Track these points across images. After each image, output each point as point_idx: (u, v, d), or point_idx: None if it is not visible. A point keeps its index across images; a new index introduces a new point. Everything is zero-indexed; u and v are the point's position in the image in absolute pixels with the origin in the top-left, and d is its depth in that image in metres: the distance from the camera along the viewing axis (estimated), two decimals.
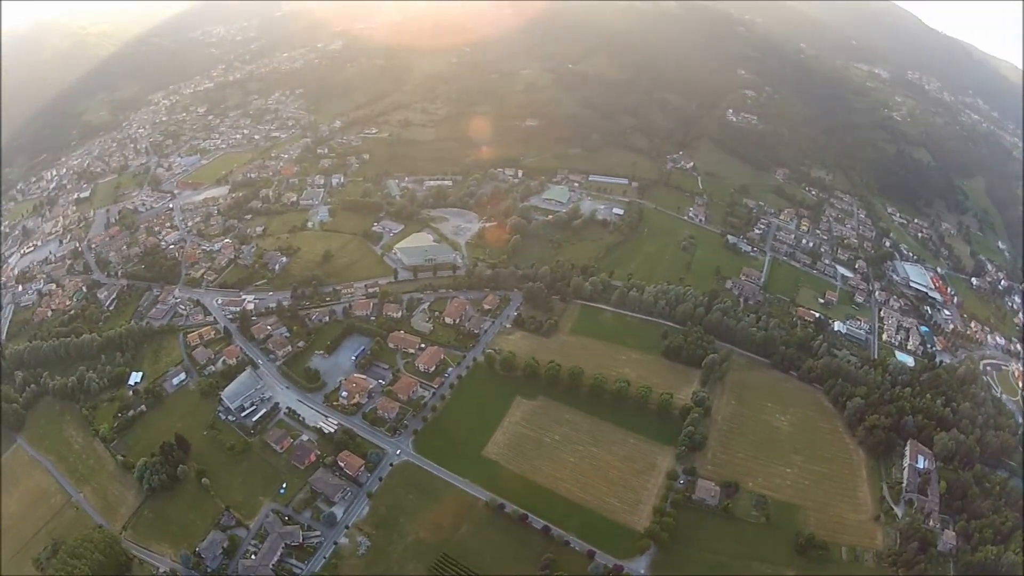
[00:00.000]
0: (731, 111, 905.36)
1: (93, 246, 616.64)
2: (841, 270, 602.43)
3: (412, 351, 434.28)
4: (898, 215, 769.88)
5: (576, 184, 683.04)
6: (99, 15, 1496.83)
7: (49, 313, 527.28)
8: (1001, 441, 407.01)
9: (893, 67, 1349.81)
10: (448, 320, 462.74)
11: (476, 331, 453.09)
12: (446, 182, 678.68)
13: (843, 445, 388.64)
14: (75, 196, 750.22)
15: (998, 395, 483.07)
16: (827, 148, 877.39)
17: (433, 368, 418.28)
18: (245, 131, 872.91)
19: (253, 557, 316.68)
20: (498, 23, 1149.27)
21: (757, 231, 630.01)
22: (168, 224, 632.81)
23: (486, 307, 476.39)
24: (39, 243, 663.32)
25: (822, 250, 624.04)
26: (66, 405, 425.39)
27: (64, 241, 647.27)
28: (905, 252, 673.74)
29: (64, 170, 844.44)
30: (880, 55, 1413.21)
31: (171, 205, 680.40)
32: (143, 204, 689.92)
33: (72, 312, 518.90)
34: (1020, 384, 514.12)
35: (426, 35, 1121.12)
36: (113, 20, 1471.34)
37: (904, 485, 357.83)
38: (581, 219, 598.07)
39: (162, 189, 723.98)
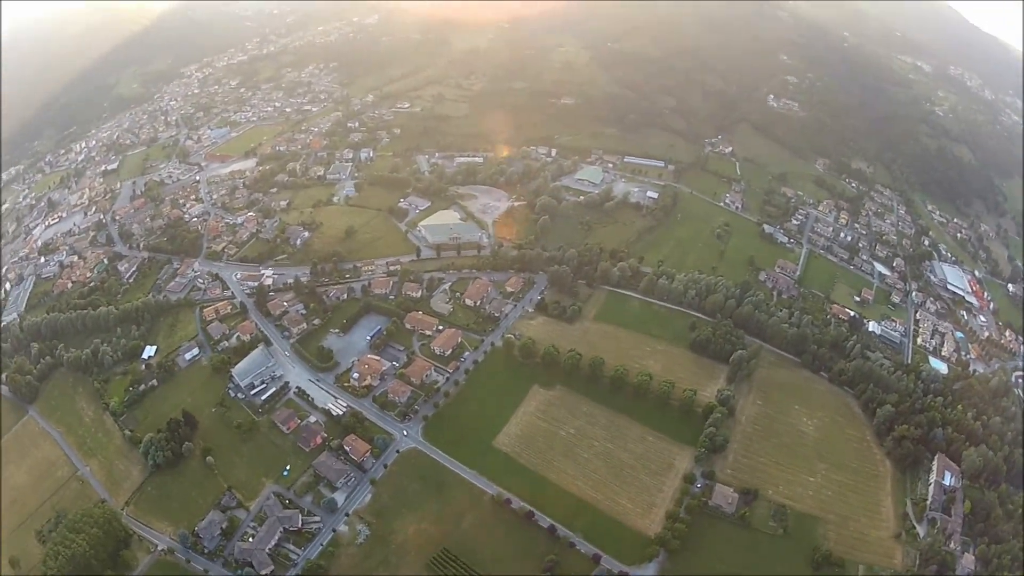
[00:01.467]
0: (772, 96, 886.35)
1: (117, 218, 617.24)
2: (879, 267, 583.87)
3: (429, 333, 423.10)
4: (937, 213, 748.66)
5: (610, 165, 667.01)
6: None
7: (69, 285, 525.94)
8: None
9: (935, 61, 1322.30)
10: (469, 302, 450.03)
11: (497, 314, 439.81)
12: (477, 159, 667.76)
13: (870, 455, 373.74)
14: (103, 168, 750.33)
15: None
16: (868, 139, 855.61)
17: (449, 351, 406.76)
18: (277, 104, 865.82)
19: (251, 540, 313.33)
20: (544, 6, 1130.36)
21: (795, 222, 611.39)
22: (193, 197, 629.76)
23: (509, 289, 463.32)
24: (64, 215, 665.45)
25: (860, 245, 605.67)
26: (79, 378, 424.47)
27: (89, 213, 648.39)
28: (943, 252, 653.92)
29: (93, 142, 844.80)
30: (922, 48, 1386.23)
31: (198, 178, 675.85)
32: (170, 176, 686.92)
33: (92, 284, 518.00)
34: None
35: (464, 9, 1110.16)
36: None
37: (929, 503, 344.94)
38: (613, 201, 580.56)
39: (190, 161, 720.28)
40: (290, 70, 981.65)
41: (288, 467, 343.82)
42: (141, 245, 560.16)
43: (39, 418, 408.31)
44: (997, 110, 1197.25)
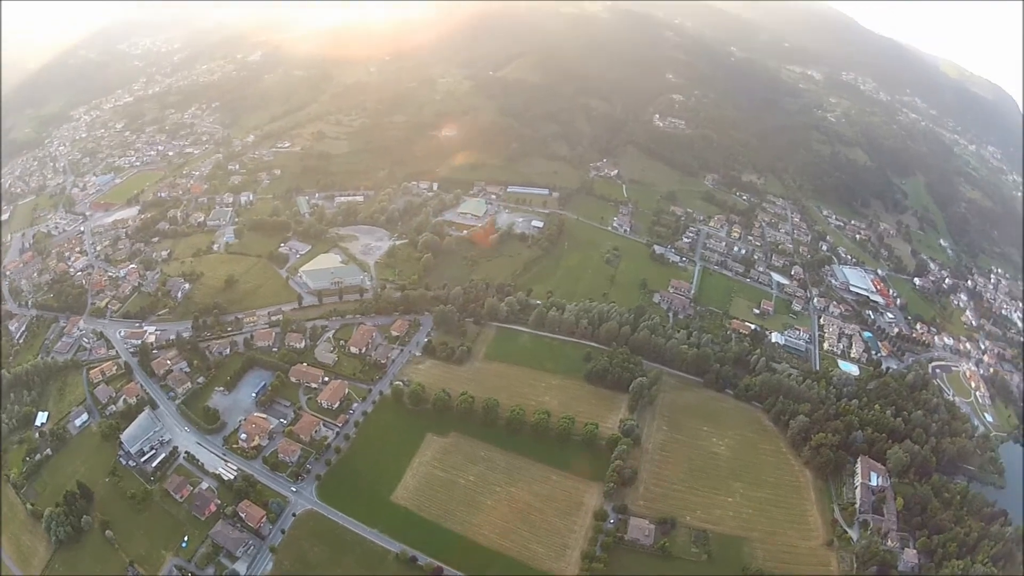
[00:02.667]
0: (658, 116, 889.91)
1: (8, 273, 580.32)
2: (776, 277, 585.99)
3: (315, 385, 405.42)
4: (834, 217, 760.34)
5: (494, 196, 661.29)
6: (28, 22, 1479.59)
7: None
8: (958, 447, 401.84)
9: (828, 68, 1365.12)
10: (354, 349, 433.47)
11: (383, 361, 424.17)
12: (357, 197, 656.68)
13: (788, 467, 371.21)
14: None
15: (951, 398, 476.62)
16: (759, 152, 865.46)
17: (337, 404, 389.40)
18: (160, 147, 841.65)
19: None
20: (420, 31, 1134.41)
21: (686, 240, 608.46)
22: (78, 249, 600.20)
23: (395, 333, 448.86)
24: None
25: (755, 257, 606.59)
26: None
27: None
28: (843, 255, 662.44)
29: None
30: (814, 56, 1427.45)
31: (83, 228, 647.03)
32: (56, 227, 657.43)
33: None
34: (972, 384, 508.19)
35: (347, 45, 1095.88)
36: (46, 30, 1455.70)
37: (857, 505, 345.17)
38: (498, 233, 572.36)
39: (75, 211, 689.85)
40: (173, 111, 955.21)
41: (187, 537, 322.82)
42: (30, 302, 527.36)
43: None
44: (893, 111, 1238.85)
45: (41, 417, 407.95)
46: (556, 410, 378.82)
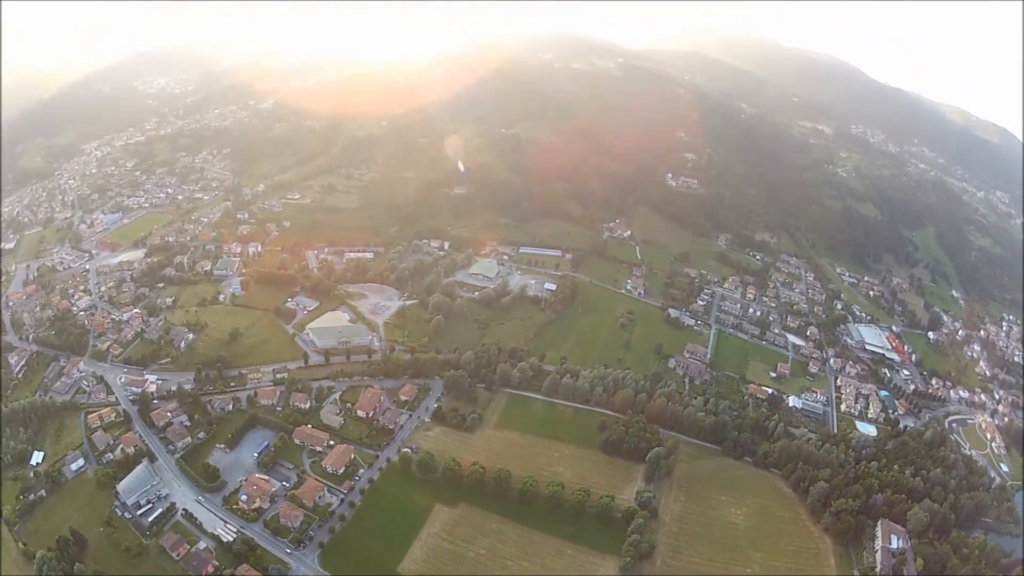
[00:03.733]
0: (670, 175, 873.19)
1: (10, 304, 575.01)
2: (792, 339, 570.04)
3: (320, 449, 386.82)
4: (848, 274, 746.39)
5: (506, 257, 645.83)
6: (45, 52, 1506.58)
7: None
8: (975, 501, 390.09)
9: (836, 122, 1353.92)
10: (361, 413, 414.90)
11: (391, 426, 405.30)
12: (367, 254, 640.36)
13: (807, 535, 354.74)
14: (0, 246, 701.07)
15: (968, 452, 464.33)
16: (771, 209, 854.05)
17: (342, 469, 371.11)
18: (170, 190, 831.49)
19: None
20: (431, 87, 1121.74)
21: (700, 302, 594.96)
22: (82, 287, 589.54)
23: (403, 398, 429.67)
24: None
25: (771, 319, 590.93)
26: None
27: None
28: (858, 313, 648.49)
29: None
30: (823, 110, 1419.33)
31: (88, 266, 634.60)
32: (61, 263, 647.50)
33: None
34: (988, 436, 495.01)
35: (359, 97, 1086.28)
36: (59, 62, 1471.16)
37: (878, 570, 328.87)
38: (510, 296, 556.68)
39: (82, 247, 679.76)
40: (184, 154, 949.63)
41: None
42: (31, 337, 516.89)
43: None
44: (902, 162, 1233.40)
45: (36, 457, 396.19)
46: (570, 481, 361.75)
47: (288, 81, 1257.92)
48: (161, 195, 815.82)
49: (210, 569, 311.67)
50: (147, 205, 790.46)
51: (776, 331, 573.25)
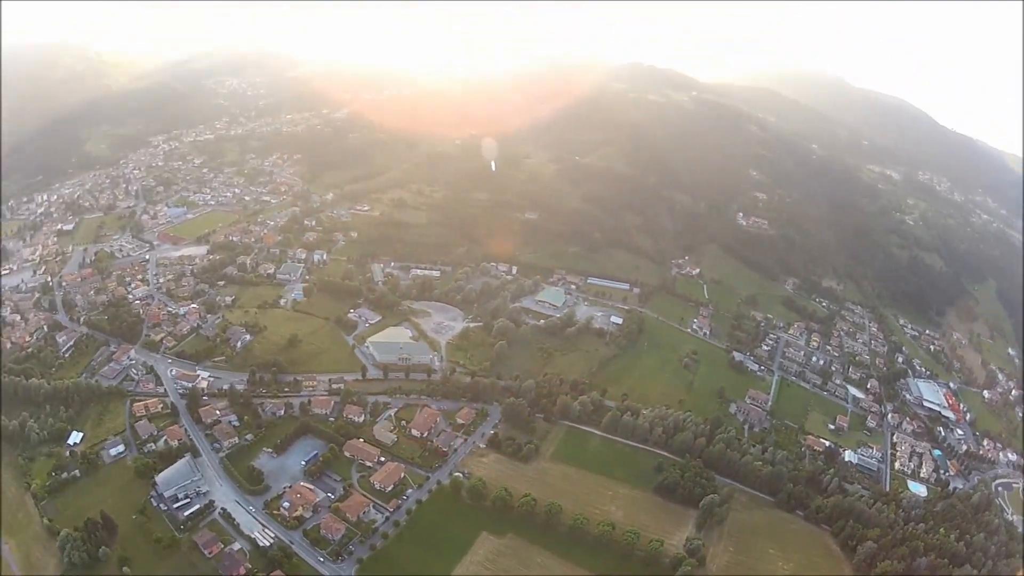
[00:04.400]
0: (741, 214, 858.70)
1: (64, 284, 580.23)
2: (852, 391, 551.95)
3: (370, 464, 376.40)
4: (910, 327, 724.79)
5: (573, 287, 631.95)
6: (118, 44, 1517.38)
7: (8, 345, 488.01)
8: (1011, 569, 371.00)
9: (905, 168, 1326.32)
10: (415, 432, 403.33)
11: (445, 449, 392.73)
12: (434, 272, 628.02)
13: None
14: (58, 227, 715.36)
15: (1010, 517, 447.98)
16: (838, 255, 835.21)
17: (391, 487, 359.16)
18: (237, 190, 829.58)
19: None
20: (507, 109, 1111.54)
21: (765, 348, 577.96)
22: (140, 277, 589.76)
23: (460, 421, 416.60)
24: (15, 267, 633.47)
25: (833, 369, 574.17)
26: (4, 449, 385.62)
27: (38, 272, 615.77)
28: (918, 368, 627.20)
29: (55, 197, 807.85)
30: (892, 155, 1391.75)
31: (147, 256, 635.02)
32: (120, 250, 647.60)
33: (29, 350, 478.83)
34: None
35: (434, 114, 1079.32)
36: (131, 52, 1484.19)
37: None
38: (576, 327, 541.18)
39: (143, 237, 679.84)
40: (254, 156, 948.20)
41: None
42: (82, 319, 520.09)
43: None
44: (967, 211, 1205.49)
45: (75, 437, 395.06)
46: (621, 522, 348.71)
47: (362, 92, 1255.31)
48: (228, 194, 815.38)
49: (242, 571, 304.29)
50: (212, 203, 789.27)
51: (838, 382, 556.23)
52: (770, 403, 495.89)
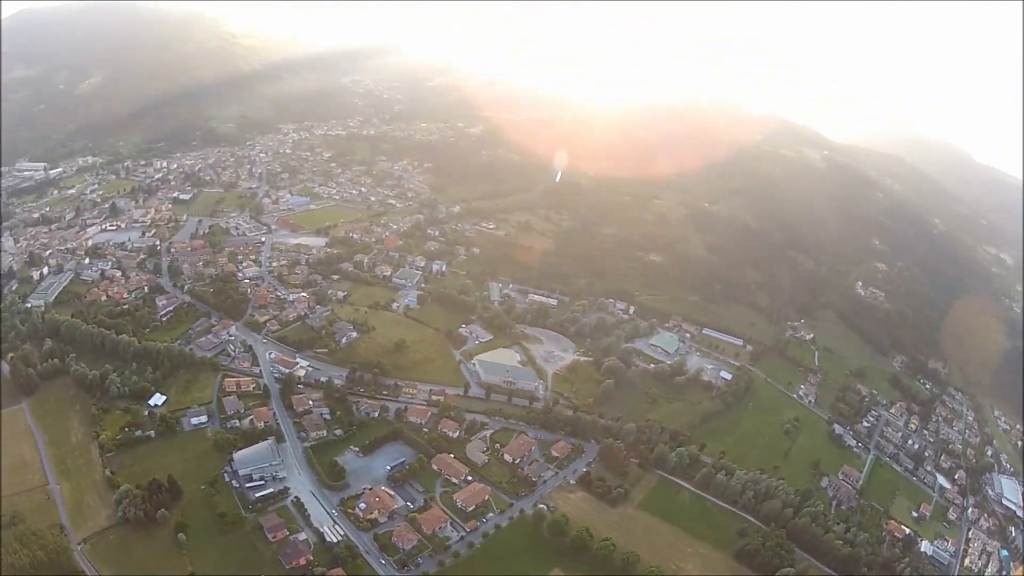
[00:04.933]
0: (860, 283, 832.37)
1: (172, 250, 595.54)
2: (941, 479, 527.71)
3: (456, 481, 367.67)
4: (1003, 419, 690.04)
5: (688, 335, 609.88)
6: (252, 28, 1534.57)
7: (104, 298, 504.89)
8: None
9: (1017, 252, 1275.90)
10: (508, 457, 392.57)
11: (535, 479, 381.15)
12: (551, 300, 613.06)
13: None
14: (175, 195, 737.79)
15: None
16: (946, 336, 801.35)
17: (472, 508, 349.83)
18: (363, 189, 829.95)
19: None
20: (640, 146, 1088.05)
21: (865, 424, 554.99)
22: (252, 257, 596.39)
23: (554, 454, 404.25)
24: (123, 225, 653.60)
25: (926, 454, 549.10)
26: (80, 395, 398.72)
27: (147, 234, 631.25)
28: (1004, 463, 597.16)
29: (175, 165, 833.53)
30: (1006, 238, 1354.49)
31: (263, 239, 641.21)
32: (237, 228, 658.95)
33: (125, 307, 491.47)
34: None
35: (567, 141, 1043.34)
36: (264, 38, 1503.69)
37: None
38: (685, 376, 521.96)
39: (261, 220, 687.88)
40: (384, 159, 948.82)
41: None
42: (185, 287, 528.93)
43: (28, 414, 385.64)
44: None
45: (157, 399, 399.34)
46: None
47: (499, 110, 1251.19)
48: (353, 191, 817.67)
49: (302, 561, 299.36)
50: (337, 197, 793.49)
51: (928, 468, 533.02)
52: (861, 482, 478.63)
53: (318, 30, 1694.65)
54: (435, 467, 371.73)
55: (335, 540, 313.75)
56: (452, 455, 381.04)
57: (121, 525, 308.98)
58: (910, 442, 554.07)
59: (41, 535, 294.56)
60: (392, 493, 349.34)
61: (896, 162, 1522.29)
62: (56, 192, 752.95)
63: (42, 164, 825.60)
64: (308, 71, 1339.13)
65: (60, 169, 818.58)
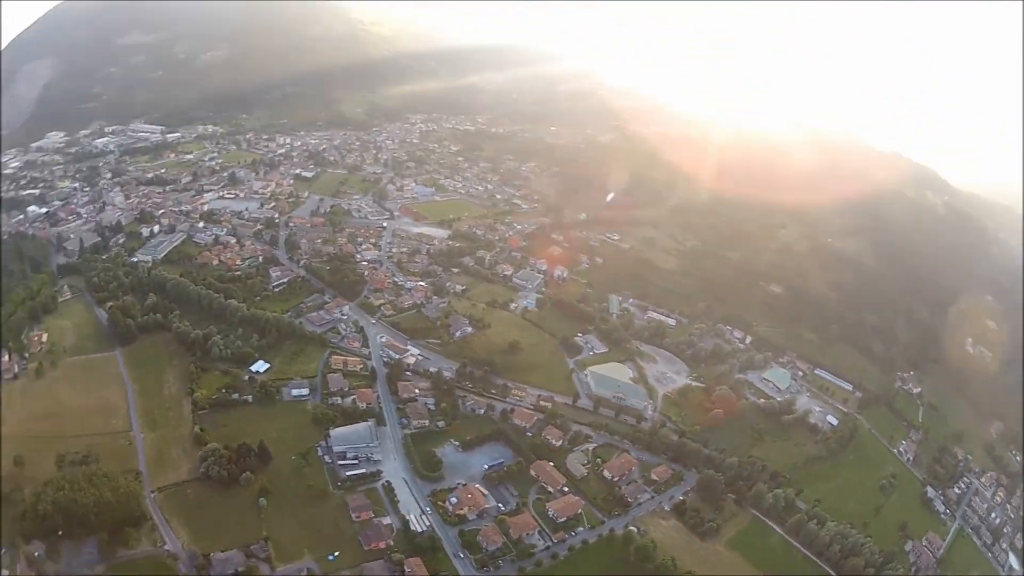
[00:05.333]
0: (971, 340, 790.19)
1: (291, 224, 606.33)
2: (1012, 560, 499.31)
3: (551, 490, 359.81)
4: None
5: (800, 373, 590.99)
6: (381, 15, 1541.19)
7: (215, 262, 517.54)
8: None
9: None
10: (607, 474, 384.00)
11: (630, 500, 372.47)
12: (670, 320, 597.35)
13: None
14: (298, 172, 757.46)
15: None
16: None
17: (563, 519, 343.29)
18: (489, 186, 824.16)
19: None
20: (769, 172, 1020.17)
21: (956, 490, 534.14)
22: (372, 241, 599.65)
23: (654, 477, 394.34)
24: (240, 195, 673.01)
25: (1004, 530, 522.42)
26: (178, 351, 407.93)
27: (266, 206, 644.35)
28: None
29: (299, 143, 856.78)
30: None
31: (384, 224, 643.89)
32: (359, 211, 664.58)
33: (237, 273, 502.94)
34: None
35: (700, 160, 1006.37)
36: (394, 26, 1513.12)
37: None
38: (793, 416, 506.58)
39: (384, 205, 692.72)
40: (511, 158, 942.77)
41: (337, 554, 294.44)
42: (301, 262, 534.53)
43: (121, 362, 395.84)
44: None
45: (259, 365, 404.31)
46: None
47: (631, 121, 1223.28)
48: (479, 187, 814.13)
49: (381, 545, 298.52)
50: (462, 191, 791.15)
51: (1004, 546, 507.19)
52: (942, 552, 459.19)
53: (452, 23, 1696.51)
54: (533, 473, 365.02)
55: (419, 530, 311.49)
56: (552, 463, 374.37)
57: (201, 481, 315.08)
58: (993, 515, 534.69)
59: (113, 477, 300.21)
60: (485, 492, 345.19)
61: (1008, 214, 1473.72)
62: (173, 156, 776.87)
63: (159, 127, 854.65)
64: (438, 63, 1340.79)
65: (178, 134, 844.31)
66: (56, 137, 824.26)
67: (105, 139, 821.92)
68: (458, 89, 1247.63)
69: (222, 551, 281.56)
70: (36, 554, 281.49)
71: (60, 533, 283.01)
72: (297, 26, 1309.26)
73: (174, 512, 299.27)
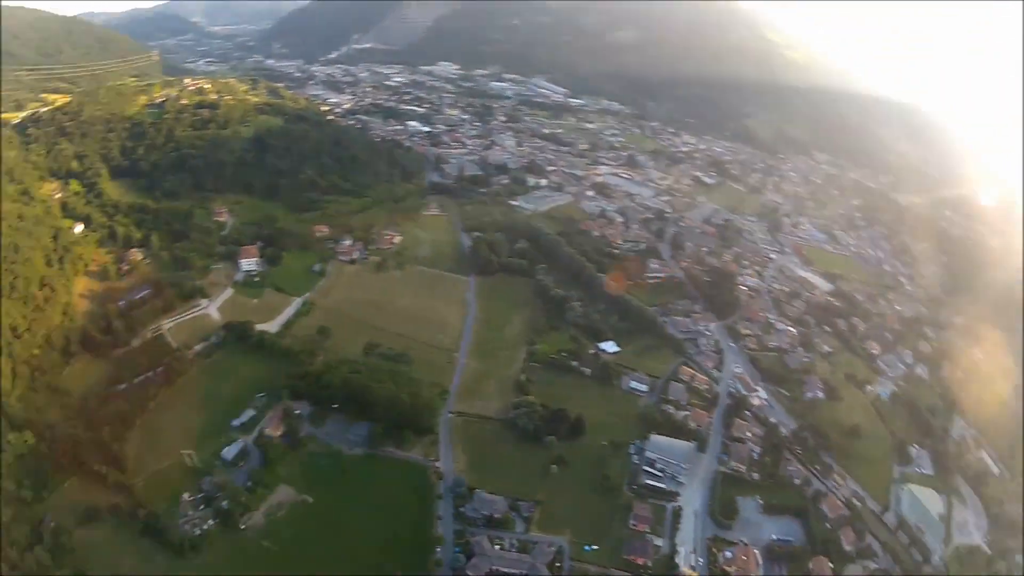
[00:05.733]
0: None
1: (681, 224, 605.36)
2: None
3: None
4: None
5: None
6: (794, 38, 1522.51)
7: (596, 233, 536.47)
8: None
9: None
10: None
11: None
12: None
13: None
14: (698, 175, 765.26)
15: None
16: None
17: None
18: (880, 254, 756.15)
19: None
20: None
21: None
22: (756, 268, 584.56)
23: None
24: (636, 179, 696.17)
25: None
26: (532, 302, 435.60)
27: (659, 197, 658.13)
28: None
29: (703, 147, 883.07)
30: None
31: (773, 256, 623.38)
32: (750, 234, 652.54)
33: (616, 252, 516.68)
34: None
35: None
36: (807, 52, 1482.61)
37: None
38: None
39: (776, 237, 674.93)
40: (905, 231, 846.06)
41: (596, 548, 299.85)
42: (682, 264, 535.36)
43: (472, 290, 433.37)
44: None
45: (610, 345, 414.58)
46: None
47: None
48: (870, 251, 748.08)
49: (639, 560, 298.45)
50: (854, 249, 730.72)
51: None
52: None
53: (870, 68, 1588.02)
54: (810, 566, 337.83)
55: (681, 566, 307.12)
56: (832, 565, 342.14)
57: (505, 425, 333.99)
58: None
59: (418, 384, 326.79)
60: (760, 562, 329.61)
61: None
62: (573, 120, 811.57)
63: (562, 89, 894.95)
64: (847, 107, 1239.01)
65: (582, 101, 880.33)
66: (449, 68, 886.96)
67: (504, 84, 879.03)
68: (865, 136, 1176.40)
69: (489, 492, 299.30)
70: (297, 412, 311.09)
71: (336, 406, 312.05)
72: (711, 30, 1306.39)
73: (462, 438, 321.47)
